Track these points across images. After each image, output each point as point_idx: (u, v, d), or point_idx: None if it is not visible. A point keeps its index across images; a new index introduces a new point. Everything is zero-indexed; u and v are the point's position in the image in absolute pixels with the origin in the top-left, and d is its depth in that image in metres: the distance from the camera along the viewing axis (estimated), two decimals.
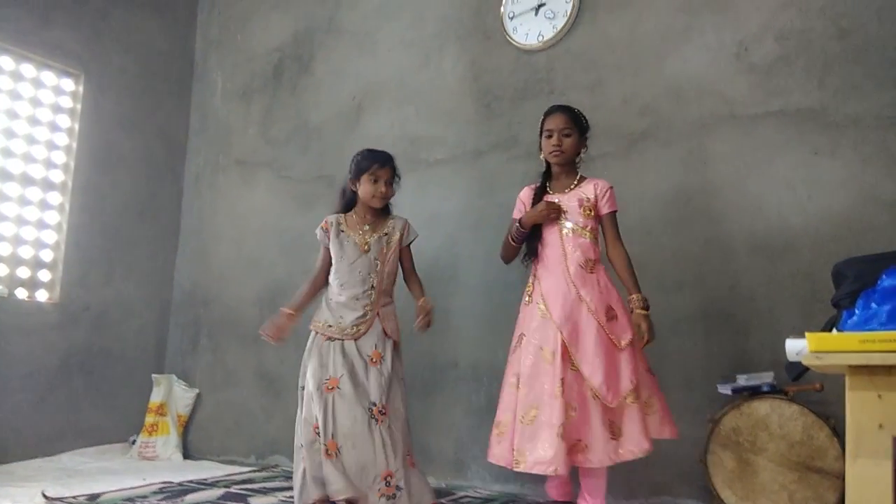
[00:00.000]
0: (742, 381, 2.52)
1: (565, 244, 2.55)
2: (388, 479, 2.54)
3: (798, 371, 2.32)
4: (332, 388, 2.62)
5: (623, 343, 2.45)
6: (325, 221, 2.89)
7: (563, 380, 2.38)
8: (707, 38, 3.02)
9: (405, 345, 2.89)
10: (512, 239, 2.67)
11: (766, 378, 2.49)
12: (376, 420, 2.58)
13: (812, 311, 2.62)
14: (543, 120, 2.66)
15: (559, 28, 3.35)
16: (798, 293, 2.70)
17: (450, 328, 3.45)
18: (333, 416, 2.59)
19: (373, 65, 4.02)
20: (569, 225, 2.56)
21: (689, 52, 3.05)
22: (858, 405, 1.38)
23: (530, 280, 2.65)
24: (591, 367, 2.38)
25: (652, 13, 3.17)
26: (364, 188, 2.80)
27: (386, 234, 2.85)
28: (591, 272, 2.52)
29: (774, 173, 2.81)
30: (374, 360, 2.70)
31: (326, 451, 2.56)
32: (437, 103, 3.75)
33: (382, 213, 2.90)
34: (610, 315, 2.47)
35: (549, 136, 2.61)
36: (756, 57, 2.91)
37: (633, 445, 2.38)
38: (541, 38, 3.40)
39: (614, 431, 2.38)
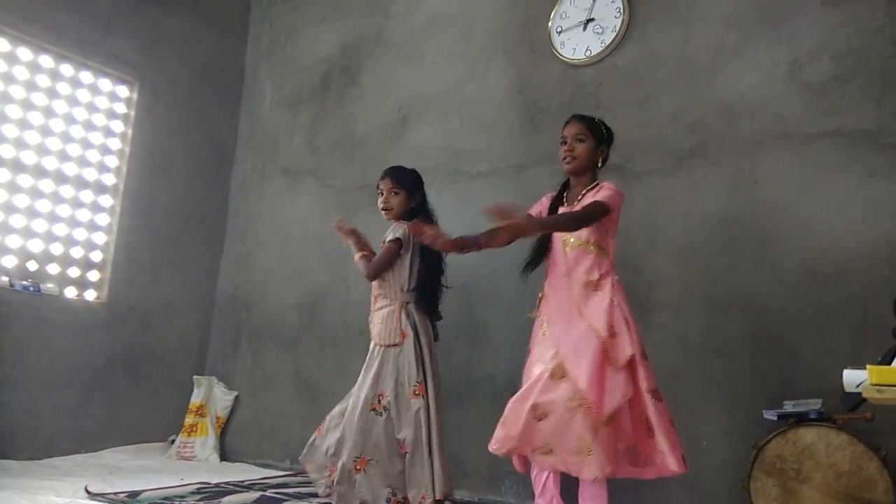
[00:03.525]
0: (789, 407, 2.46)
1: (568, 261, 2.41)
2: None
3: (855, 402, 2.25)
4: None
5: (620, 362, 2.24)
6: None
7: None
8: (760, 56, 2.96)
9: (443, 357, 2.89)
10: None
11: (813, 405, 2.41)
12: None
13: (864, 337, 2.54)
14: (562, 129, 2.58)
15: (608, 43, 3.33)
16: (849, 318, 2.61)
17: (488, 341, 3.44)
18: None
19: (419, 77, 4.05)
20: (572, 240, 2.42)
21: (741, 69, 3.00)
22: None
23: (539, 294, 2.54)
24: (581, 374, 2.20)
25: (704, 29, 3.12)
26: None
27: (383, 241, 2.91)
28: (596, 290, 2.36)
29: (828, 195, 2.73)
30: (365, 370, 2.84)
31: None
32: (481, 116, 3.75)
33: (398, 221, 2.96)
34: (611, 332, 2.27)
35: (563, 143, 2.55)
36: (811, 75, 2.84)
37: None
38: (588, 53, 3.39)
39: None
